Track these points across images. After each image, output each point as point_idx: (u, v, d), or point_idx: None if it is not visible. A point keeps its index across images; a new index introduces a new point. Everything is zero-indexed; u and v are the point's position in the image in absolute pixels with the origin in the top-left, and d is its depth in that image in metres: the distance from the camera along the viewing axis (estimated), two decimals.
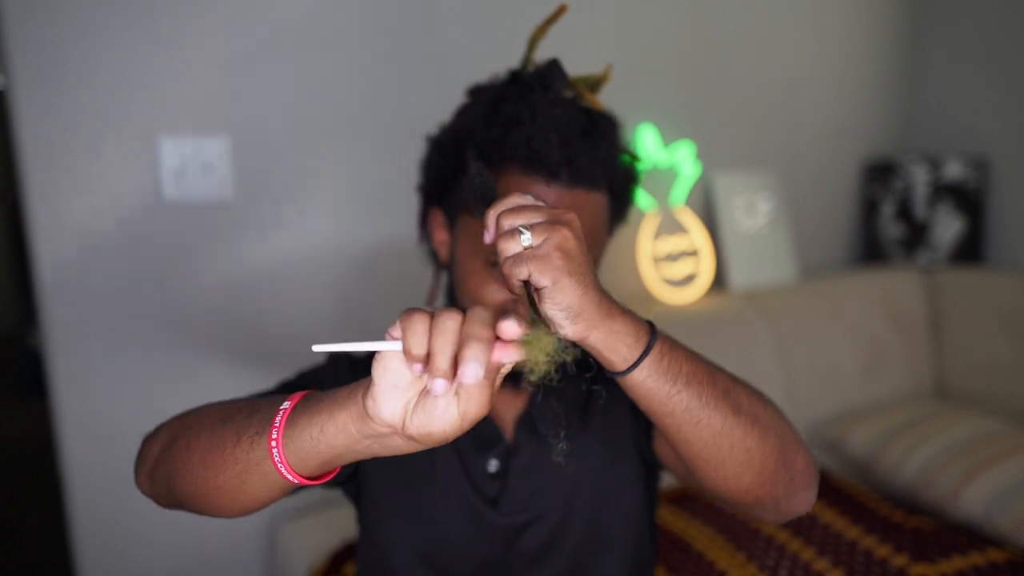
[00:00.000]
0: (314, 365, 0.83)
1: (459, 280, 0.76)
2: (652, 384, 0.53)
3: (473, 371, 0.43)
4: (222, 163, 1.32)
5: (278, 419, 0.51)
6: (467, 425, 0.47)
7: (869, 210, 2.16)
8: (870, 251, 2.17)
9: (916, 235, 2.07)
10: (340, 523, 1.33)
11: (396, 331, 0.45)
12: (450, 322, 0.44)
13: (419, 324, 0.44)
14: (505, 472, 0.79)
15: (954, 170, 2.02)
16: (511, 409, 0.81)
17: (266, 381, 1.14)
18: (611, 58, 1.65)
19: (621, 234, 1.82)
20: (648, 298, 1.80)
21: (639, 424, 0.79)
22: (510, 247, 0.49)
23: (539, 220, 0.50)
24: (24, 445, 3.10)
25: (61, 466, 1.30)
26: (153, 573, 1.38)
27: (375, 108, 1.42)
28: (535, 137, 0.70)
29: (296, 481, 0.52)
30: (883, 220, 2.12)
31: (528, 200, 0.52)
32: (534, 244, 0.49)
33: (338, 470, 0.55)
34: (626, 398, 0.69)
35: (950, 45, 2.11)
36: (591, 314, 0.49)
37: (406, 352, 0.44)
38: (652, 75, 1.78)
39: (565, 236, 0.49)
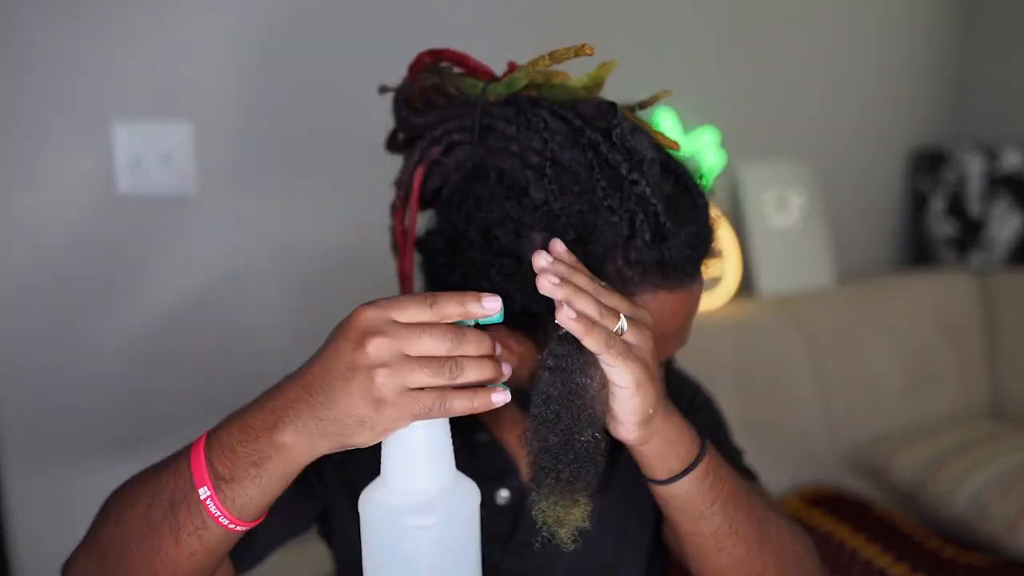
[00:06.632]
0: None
1: None
2: (689, 498, 0.57)
3: (501, 399, 0.50)
4: (183, 152, 1.27)
5: (209, 503, 0.50)
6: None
7: (916, 205, 2.13)
8: (917, 252, 2.14)
9: (969, 233, 2.02)
10: None
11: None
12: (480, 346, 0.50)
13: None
14: (519, 506, 0.76)
15: (1013, 160, 1.96)
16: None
17: (229, 391, 1.09)
18: (628, 30, 1.60)
19: None
20: None
21: None
22: (598, 335, 0.48)
23: (629, 314, 0.51)
24: None
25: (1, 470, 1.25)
26: None
27: (349, 92, 1.35)
28: (667, 251, 0.58)
29: (252, 526, 0.53)
30: (932, 217, 2.08)
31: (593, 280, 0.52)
32: (628, 341, 0.50)
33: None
34: None
35: (1009, 19, 2.04)
36: (659, 421, 0.53)
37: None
38: (671, 53, 1.70)
39: (650, 338, 0.52)
